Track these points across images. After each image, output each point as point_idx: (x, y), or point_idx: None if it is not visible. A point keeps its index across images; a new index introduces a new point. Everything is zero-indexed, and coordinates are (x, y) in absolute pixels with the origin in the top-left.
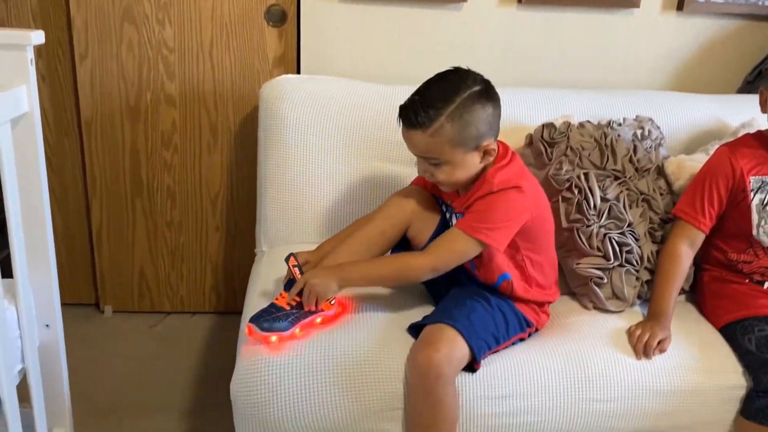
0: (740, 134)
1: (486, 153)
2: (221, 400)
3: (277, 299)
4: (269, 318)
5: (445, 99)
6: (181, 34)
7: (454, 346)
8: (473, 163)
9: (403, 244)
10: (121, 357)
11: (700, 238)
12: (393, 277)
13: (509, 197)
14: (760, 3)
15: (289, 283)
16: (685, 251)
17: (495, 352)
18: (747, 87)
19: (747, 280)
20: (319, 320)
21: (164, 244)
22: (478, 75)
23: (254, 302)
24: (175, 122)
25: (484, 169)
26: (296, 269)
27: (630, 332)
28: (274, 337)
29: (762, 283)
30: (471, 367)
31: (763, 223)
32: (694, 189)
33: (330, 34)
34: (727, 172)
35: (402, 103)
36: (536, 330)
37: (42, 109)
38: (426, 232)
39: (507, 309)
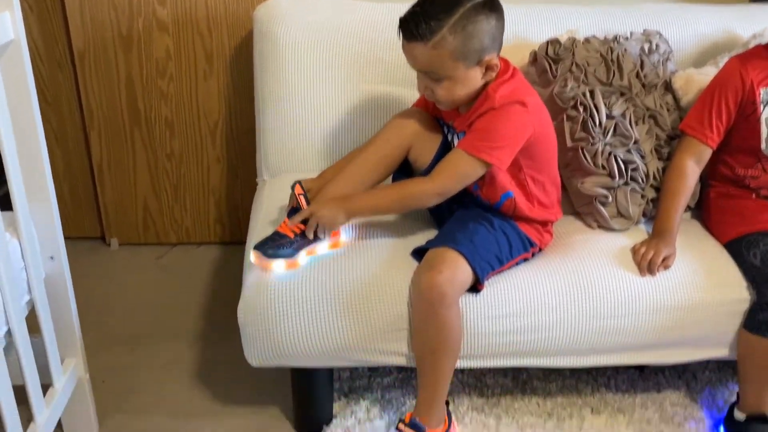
0: (752, 45)
1: (488, 68)
2: (230, 327)
3: (280, 227)
4: (274, 245)
5: (448, 10)
6: None
7: (456, 268)
8: (475, 78)
9: (406, 168)
10: (129, 288)
11: (707, 153)
12: (399, 205)
13: (512, 113)
14: None
15: (293, 210)
16: (691, 167)
17: (499, 272)
18: None
19: (753, 195)
20: (322, 247)
21: (166, 177)
22: None
23: (258, 230)
24: (169, 50)
25: (485, 86)
26: (302, 197)
27: (634, 250)
28: (279, 263)
29: None
30: (475, 288)
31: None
32: (702, 103)
33: None
34: (736, 84)
35: (402, 15)
36: (540, 250)
37: (32, 41)
38: (428, 154)
39: (510, 230)
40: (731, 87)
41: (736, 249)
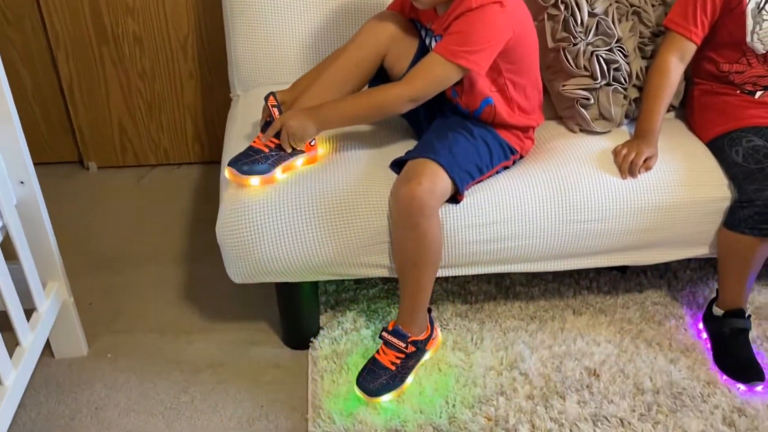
0: None
1: None
2: (214, 245)
3: (254, 141)
4: (248, 161)
5: None
6: None
7: (436, 179)
8: None
9: (383, 77)
10: (110, 211)
11: (691, 49)
12: (372, 112)
13: (489, 14)
14: None
15: (267, 124)
16: (675, 64)
17: (479, 182)
18: None
19: (738, 91)
20: (299, 161)
21: (139, 96)
22: None
23: (232, 147)
24: None
25: None
26: (275, 109)
27: (616, 152)
28: (255, 179)
29: (753, 93)
30: (455, 198)
31: (757, 28)
32: None
33: None
34: None
35: None
36: (521, 157)
37: None
38: (404, 59)
39: (490, 138)
40: None
41: (719, 146)
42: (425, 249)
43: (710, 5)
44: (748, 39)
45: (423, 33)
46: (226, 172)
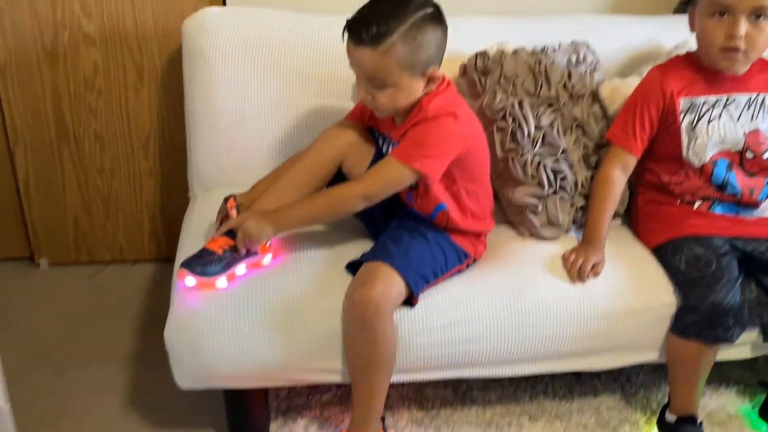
0: (674, 56)
1: (430, 80)
2: (162, 347)
3: (209, 243)
4: (201, 263)
5: (398, 17)
6: None
7: (390, 282)
8: (417, 89)
9: (341, 181)
10: (60, 310)
11: (632, 161)
12: (327, 211)
13: (444, 124)
14: None
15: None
16: (617, 176)
17: (434, 285)
18: (683, 7)
19: (678, 201)
20: (253, 263)
21: (97, 193)
22: None
23: (187, 247)
24: (97, 64)
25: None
26: (234, 210)
27: (564, 257)
28: (206, 282)
29: (692, 203)
30: (410, 302)
31: (692, 144)
32: (626, 113)
33: None
34: (657, 94)
35: (350, 17)
36: (474, 261)
37: None
38: (361, 165)
39: (444, 243)
40: (653, 97)
41: (663, 254)
42: (379, 354)
43: (648, 122)
44: (684, 153)
45: (380, 141)
46: (178, 274)
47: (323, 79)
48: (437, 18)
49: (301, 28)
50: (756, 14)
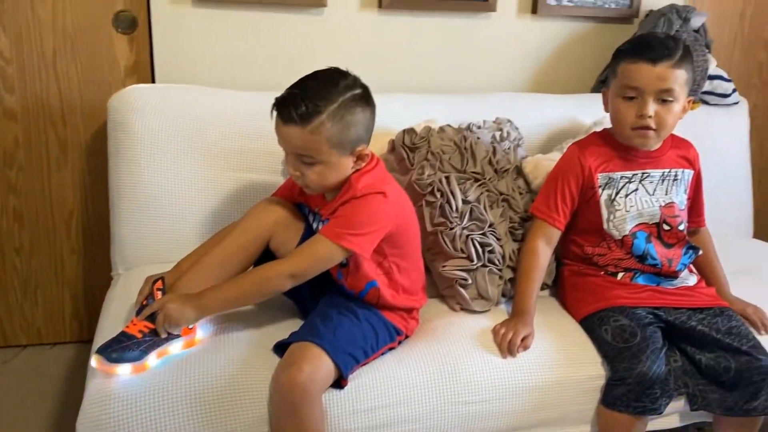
0: (591, 132)
1: (359, 158)
2: None
3: (128, 327)
4: (119, 347)
5: (327, 97)
6: (18, 43)
7: (318, 364)
8: (346, 166)
9: (269, 259)
10: None
11: (556, 234)
12: (253, 292)
13: (373, 202)
14: (606, 6)
15: (143, 308)
16: (542, 248)
17: (364, 364)
18: (599, 86)
19: (602, 273)
20: (175, 347)
21: (14, 272)
22: (357, 77)
23: (106, 330)
24: (18, 138)
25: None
26: (159, 293)
27: (494, 331)
28: (124, 368)
29: (615, 274)
30: (339, 383)
31: (612, 217)
32: (548, 188)
33: (185, 41)
34: (576, 170)
35: (279, 96)
36: (406, 337)
37: None
38: (290, 243)
39: (375, 320)
40: (572, 173)
41: (590, 325)
42: None
43: (569, 196)
44: (605, 226)
45: (311, 217)
46: (93, 361)
47: (249, 155)
48: (365, 99)
49: (228, 104)
50: (662, 97)
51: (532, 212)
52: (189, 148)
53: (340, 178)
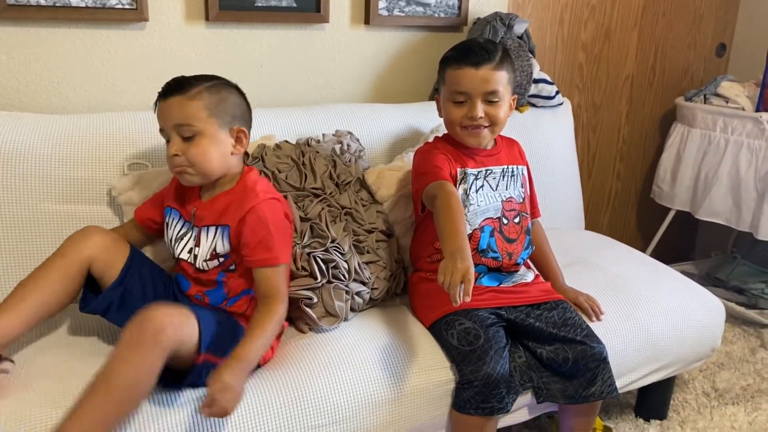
0: (431, 139)
1: (238, 140)
2: None
3: None
4: None
5: (204, 78)
6: None
7: (186, 320)
8: (226, 143)
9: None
10: None
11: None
12: (274, 333)
13: (277, 211)
14: (436, 15)
15: None
16: (449, 186)
17: (215, 361)
18: (436, 94)
19: None
20: None
21: None
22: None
23: None
24: None
25: (238, 174)
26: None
27: (440, 279)
28: None
29: None
30: (180, 378)
31: (466, 211)
32: (423, 168)
33: None
34: (440, 154)
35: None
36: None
37: None
38: (116, 265)
39: (239, 331)
40: (438, 153)
41: (437, 331)
42: (129, 378)
43: (446, 162)
44: None
45: (179, 228)
46: None
47: (66, 183)
48: (240, 91)
49: (42, 129)
50: (489, 98)
51: (423, 193)
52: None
53: (222, 160)
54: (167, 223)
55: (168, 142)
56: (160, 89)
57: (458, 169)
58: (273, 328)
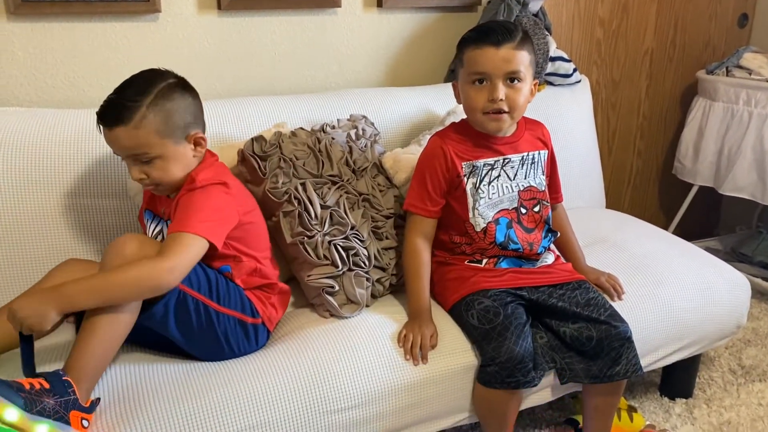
0: (447, 122)
1: (197, 143)
2: None
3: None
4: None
5: (142, 92)
6: None
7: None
8: (186, 155)
9: None
10: None
11: (433, 225)
12: (131, 289)
13: (214, 192)
14: None
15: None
16: (421, 244)
17: (207, 304)
18: (451, 76)
19: (467, 261)
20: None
21: None
22: (170, 71)
23: None
24: None
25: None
26: None
27: (400, 339)
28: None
29: (480, 261)
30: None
31: (477, 205)
32: (417, 182)
33: (4, 59)
34: (441, 160)
35: (98, 108)
36: (263, 324)
37: None
38: None
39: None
40: (438, 163)
41: (457, 313)
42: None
43: (438, 185)
44: (471, 214)
45: (153, 226)
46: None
47: (89, 177)
48: (182, 86)
49: (58, 123)
50: (510, 78)
51: (406, 209)
52: (10, 174)
53: (186, 170)
54: (146, 225)
55: (124, 160)
56: (99, 108)
57: (464, 164)
58: (129, 280)
